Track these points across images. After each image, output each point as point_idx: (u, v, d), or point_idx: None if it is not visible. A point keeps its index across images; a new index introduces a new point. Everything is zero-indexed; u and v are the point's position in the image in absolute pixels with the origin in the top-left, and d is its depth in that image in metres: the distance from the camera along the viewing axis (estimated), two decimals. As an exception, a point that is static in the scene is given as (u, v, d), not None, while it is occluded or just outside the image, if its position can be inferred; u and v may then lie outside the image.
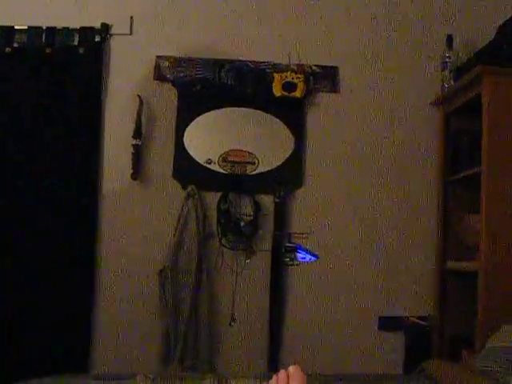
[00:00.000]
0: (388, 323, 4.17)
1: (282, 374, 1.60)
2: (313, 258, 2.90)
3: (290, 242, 3.08)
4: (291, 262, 2.83)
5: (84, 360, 4.09)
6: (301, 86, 4.15)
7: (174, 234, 4.07)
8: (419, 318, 4.15)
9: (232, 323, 4.10)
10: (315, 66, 4.23)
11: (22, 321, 4.04)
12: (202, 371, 3.94)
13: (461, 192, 4.08)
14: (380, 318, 4.17)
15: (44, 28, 4.15)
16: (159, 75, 4.20)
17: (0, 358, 3.96)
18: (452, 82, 4.04)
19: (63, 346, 4.03)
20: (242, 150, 4.14)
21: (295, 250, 2.91)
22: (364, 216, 4.22)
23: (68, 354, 4.03)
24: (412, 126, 4.26)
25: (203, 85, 4.16)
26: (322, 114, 4.25)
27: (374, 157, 4.24)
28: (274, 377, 1.38)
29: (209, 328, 4.08)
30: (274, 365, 4.09)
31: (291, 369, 1.59)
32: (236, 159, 4.13)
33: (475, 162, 3.65)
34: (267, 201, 4.16)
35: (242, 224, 4.07)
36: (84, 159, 4.16)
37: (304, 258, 2.88)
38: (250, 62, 4.21)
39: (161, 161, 4.17)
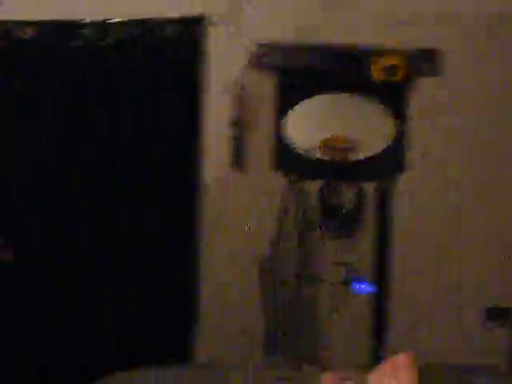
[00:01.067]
0: (496, 314, 4.03)
1: (391, 363, 1.52)
2: (370, 290, 2.80)
3: (349, 272, 3.01)
4: (348, 294, 2.76)
5: (187, 350, 4.10)
6: (402, 69, 4.04)
7: (275, 224, 4.02)
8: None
9: (335, 313, 4.05)
10: (416, 48, 4.10)
11: (126, 314, 4.09)
12: (305, 360, 3.91)
13: None
14: (488, 309, 4.03)
15: (141, 20, 4.16)
16: (257, 63, 4.14)
17: (104, 348, 4.02)
18: None
19: (167, 334, 4.06)
20: (343, 136, 4.06)
21: (352, 281, 2.84)
22: (473, 201, 4.08)
23: (171, 344, 4.05)
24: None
25: (302, 71, 4.09)
26: (424, 98, 4.12)
27: (478, 142, 4.09)
28: (381, 366, 1.31)
29: (312, 316, 4.03)
30: (378, 356, 4.02)
31: (401, 358, 1.52)
32: (337, 146, 4.05)
33: None
34: (370, 188, 4.07)
35: (345, 212, 4.00)
36: (184, 150, 4.16)
37: (362, 291, 2.80)
38: (350, 46, 4.11)
39: (261, 150, 4.13)
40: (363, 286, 2.80)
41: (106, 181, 4.16)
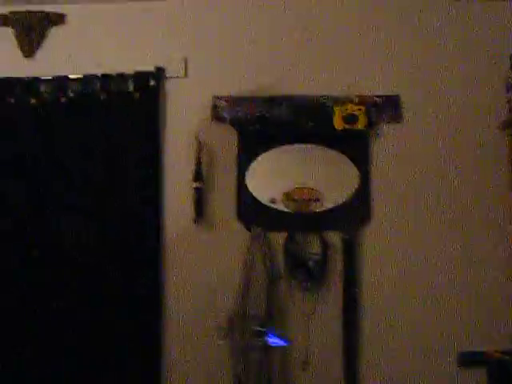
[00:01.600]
0: (469, 358, 3.97)
1: None
2: (283, 343, 2.76)
3: (260, 326, 2.97)
4: (262, 345, 2.72)
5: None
6: (362, 117, 4.03)
7: (241, 278, 3.96)
8: (503, 352, 3.95)
9: (305, 368, 3.97)
10: (376, 96, 4.10)
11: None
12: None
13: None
14: (460, 354, 3.98)
15: (99, 75, 4.13)
16: (217, 116, 4.12)
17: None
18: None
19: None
20: (306, 188, 4.03)
21: (264, 334, 2.80)
22: (434, 250, 4.06)
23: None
24: (480, 152, 4.09)
25: (262, 123, 4.06)
26: (386, 145, 4.11)
27: (442, 186, 4.08)
28: None
29: (282, 374, 3.95)
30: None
31: None
32: (300, 197, 4.02)
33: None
34: (335, 238, 4.03)
35: (311, 264, 3.95)
36: (144, 205, 4.10)
37: (275, 343, 2.76)
38: (309, 96, 4.10)
39: (223, 202, 4.08)
40: (274, 339, 2.76)
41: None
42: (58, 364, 4.02)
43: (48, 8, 4.26)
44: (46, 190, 4.11)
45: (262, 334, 2.78)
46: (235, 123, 4.08)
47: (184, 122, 4.15)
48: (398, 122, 4.12)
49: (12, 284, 4.09)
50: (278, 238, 4.02)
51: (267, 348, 3.90)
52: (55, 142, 4.15)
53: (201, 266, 4.07)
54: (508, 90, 4.01)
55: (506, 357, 3.91)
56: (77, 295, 4.05)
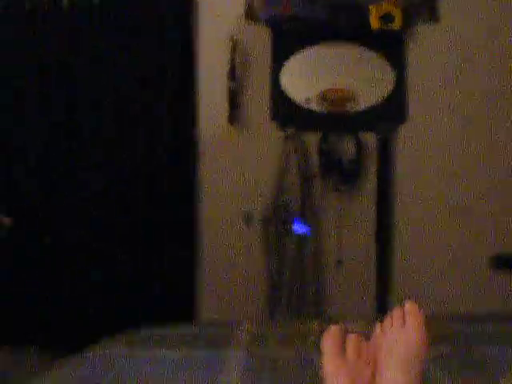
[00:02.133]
0: (504, 261, 3.98)
1: (397, 311, 1.46)
2: (307, 230, 2.75)
3: (286, 212, 2.95)
4: (287, 233, 2.71)
5: (189, 309, 4.07)
6: (399, 17, 3.95)
7: (276, 179, 3.96)
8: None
9: (338, 266, 4.00)
10: (414, -5, 4.01)
11: (125, 272, 4.04)
12: (309, 316, 3.88)
13: None
14: (495, 257, 3.99)
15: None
16: (251, 14, 4.05)
17: (105, 308, 3.99)
18: None
19: (168, 296, 4.01)
20: (341, 88, 3.98)
21: (291, 222, 2.78)
22: (470, 151, 4.02)
23: (173, 305, 4.01)
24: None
25: (297, 22, 3.99)
26: (422, 45, 4.04)
27: (478, 85, 4.02)
28: (389, 315, 1.25)
29: (315, 272, 3.99)
30: (384, 308, 3.99)
31: (408, 305, 1.46)
32: (335, 97, 3.98)
33: None
34: (370, 139, 4.01)
35: (345, 164, 3.94)
36: (179, 105, 4.08)
37: (299, 231, 2.74)
38: (345, -5, 4.02)
39: (258, 103, 4.05)
40: (300, 226, 2.75)
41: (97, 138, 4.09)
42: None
43: None
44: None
45: (288, 222, 2.77)
46: (270, 23, 4.01)
47: (218, 22, 4.09)
48: (435, 22, 4.03)
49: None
50: (313, 139, 4.01)
51: (301, 246, 3.95)
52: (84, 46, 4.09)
53: (235, 166, 4.07)
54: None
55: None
56: (113, 195, 4.09)
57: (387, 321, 1.49)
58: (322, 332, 2.81)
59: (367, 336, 1.55)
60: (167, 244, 4.04)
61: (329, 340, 1.46)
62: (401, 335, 1.30)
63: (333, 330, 1.44)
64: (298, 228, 2.75)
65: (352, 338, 1.49)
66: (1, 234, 2.79)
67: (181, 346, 2.69)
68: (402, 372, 1.33)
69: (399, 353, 1.36)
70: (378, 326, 1.56)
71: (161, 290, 4.04)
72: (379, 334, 1.48)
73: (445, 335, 2.83)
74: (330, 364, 1.43)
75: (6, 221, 2.59)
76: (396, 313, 1.44)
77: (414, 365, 1.34)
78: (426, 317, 1.33)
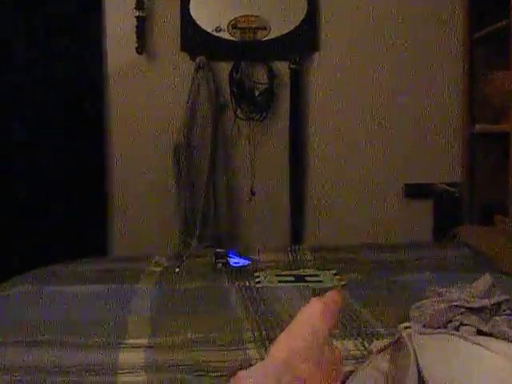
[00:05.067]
0: (415, 190, 4.00)
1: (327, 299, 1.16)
2: (246, 262, 2.72)
3: (219, 248, 2.93)
4: (224, 268, 2.69)
5: (101, 246, 3.99)
6: None
7: (186, 109, 3.87)
8: (448, 184, 3.98)
9: (252, 197, 3.96)
10: None
11: (37, 209, 3.92)
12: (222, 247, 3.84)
13: (487, 49, 3.82)
14: (406, 185, 4.00)
15: None
16: None
17: (18, 248, 3.87)
18: None
19: (79, 233, 3.91)
20: (252, 15, 3.88)
21: (227, 255, 2.76)
22: (384, 81, 3.99)
23: (84, 241, 3.91)
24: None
25: None
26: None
27: (394, 10, 3.97)
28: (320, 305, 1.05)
29: (228, 204, 3.94)
30: (297, 238, 3.98)
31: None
32: (246, 25, 3.88)
33: (503, 15, 3.39)
34: (282, 68, 3.94)
35: (257, 93, 3.88)
36: (86, 34, 3.94)
37: (237, 263, 2.71)
38: None
39: (167, 32, 3.93)
40: (238, 260, 2.72)
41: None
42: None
43: None
44: None
45: (223, 256, 2.73)
46: None
47: None
48: None
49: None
50: (224, 68, 3.92)
51: (213, 182, 3.89)
52: None
53: (145, 97, 3.96)
54: None
55: (451, 188, 3.96)
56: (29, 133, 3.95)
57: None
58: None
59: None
60: (78, 180, 3.92)
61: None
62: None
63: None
64: (237, 261, 2.70)
65: None
66: None
67: (92, 281, 2.64)
68: None
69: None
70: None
71: (72, 229, 3.93)
72: None
73: (357, 263, 2.85)
74: None
75: None
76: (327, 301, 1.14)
77: None
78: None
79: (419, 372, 1.29)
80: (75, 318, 2.16)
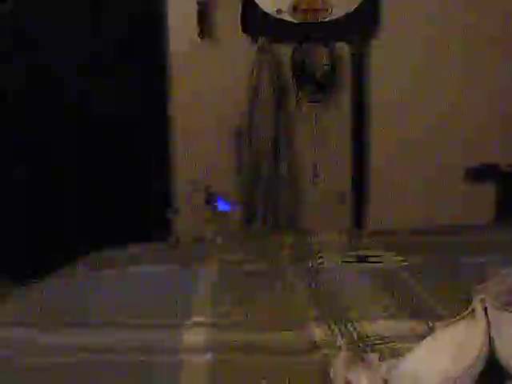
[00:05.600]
0: (477, 173, 3.95)
1: None
2: (232, 207, 2.71)
3: (208, 194, 2.90)
4: (213, 216, 2.67)
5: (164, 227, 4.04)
6: None
7: (248, 91, 3.88)
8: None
9: (314, 179, 3.96)
10: None
11: (100, 197, 4.00)
12: (284, 229, 3.86)
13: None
14: (469, 168, 3.95)
15: None
16: None
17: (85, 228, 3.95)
18: None
19: (147, 213, 3.98)
20: (313, -4, 3.87)
21: (215, 201, 2.74)
22: (452, 56, 3.93)
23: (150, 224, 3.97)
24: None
25: None
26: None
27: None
28: None
29: (290, 186, 3.95)
30: (359, 221, 3.97)
31: None
32: (308, 6, 3.87)
33: None
34: (343, 49, 3.92)
35: (319, 75, 3.87)
36: (148, 21, 3.98)
37: (225, 208, 2.70)
38: None
39: (228, 15, 3.93)
40: (224, 204, 2.72)
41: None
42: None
43: None
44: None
45: (212, 201, 2.73)
46: None
47: None
48: None
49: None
50: (286, 50, 3.91)
51: (275, 164, 3.90)
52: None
53: (208, 80, 3.97)
54: None
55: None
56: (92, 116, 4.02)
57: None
58: (296, 245, 2.81)
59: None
60: (142, 159, 3.98)
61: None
62: None
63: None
64: (222, 206, 2.72)
65: None
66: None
67: (154, 263, 2.68)
68: None
69: None
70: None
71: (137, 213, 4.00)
72: None
73: (418, 246, 2.83)
74: None
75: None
76: None
77: None
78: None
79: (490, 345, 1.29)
80: (139, 299, 2.20)
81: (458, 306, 1.68)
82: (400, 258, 2.59)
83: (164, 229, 4.01)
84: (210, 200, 2.76)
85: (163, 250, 2.98)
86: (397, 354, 1.53)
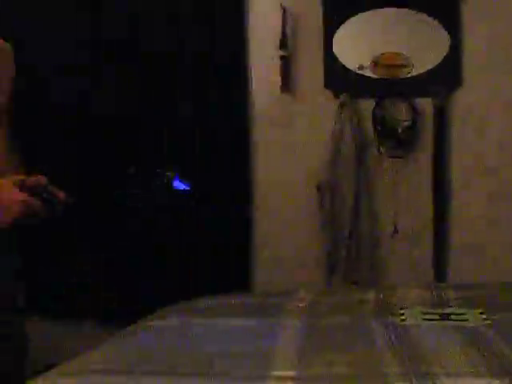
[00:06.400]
0: None
1: None
2: (186, 187, 2.70)
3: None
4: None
5: (244, 280, 4.06)
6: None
7: (330, 147, 3.92)
8: None
9: (394, 235, 3.95)
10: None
11: (181, 247, 4.05)
12: (365, 284, 3.84)
13: None
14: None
15: None
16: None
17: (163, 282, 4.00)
18: None
19: (222, 269, 4.00)
20: (394, 53, 3.90)
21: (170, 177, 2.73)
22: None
23: (227, 276, 3.99)
24: None
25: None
26: (478, 9, 3.91)
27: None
28: None
29: (371, 240, 3.95)
30: (441, 275, 3.93)
31: None
32: (389, 62, 3.90)
33: None
34: (425, 104, 3.93)
35: (400, 130, 3.88)
36: (230, 75, 4.06)
37: (178, 187, 2.69)
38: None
39: (310, 71, 3.99)
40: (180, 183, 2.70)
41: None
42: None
43: None
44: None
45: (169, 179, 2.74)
46: (323, -13, 3.95)
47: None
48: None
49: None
50: (367, 106, 3.95)
51: (356, 218, 3.91)
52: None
53: (289, 135, 4.03)
54: None
55: None
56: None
57: None
58: (377, 300, 2.79)
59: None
60: (222, 213, 4.03)
61: None
62: None
63: None
64: (178, 184, 2.72)
65: None
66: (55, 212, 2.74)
67: (235, 315, 2.69)
68: None
69: None
70: None
71: (215, 262, 4.03)
72: None
73: (503, 302, 2.78)
74: None
75: (62, 196, 2.54)
76: None
77: None
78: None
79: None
80: (219, 349, 2.21)
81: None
82: (485, 316, 2.54)
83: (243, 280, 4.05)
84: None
85: (242, 302, 2.99)
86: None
